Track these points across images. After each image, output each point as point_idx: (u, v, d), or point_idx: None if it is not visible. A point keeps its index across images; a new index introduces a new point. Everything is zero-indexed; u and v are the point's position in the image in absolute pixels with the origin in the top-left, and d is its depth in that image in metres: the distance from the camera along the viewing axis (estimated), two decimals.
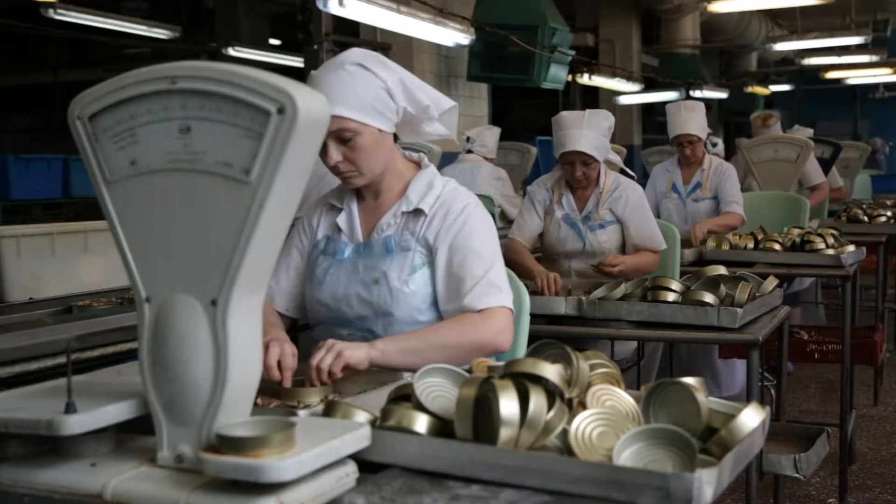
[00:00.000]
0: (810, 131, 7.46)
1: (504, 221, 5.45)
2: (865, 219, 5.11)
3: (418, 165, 2.04)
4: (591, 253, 3.32)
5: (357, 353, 1.70)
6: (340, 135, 1.83)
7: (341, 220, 2.01)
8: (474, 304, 1.86)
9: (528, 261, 3.26)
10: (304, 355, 1.81)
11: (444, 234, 1.92)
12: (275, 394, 1.60)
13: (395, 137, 1.97)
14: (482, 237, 1.93)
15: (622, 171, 3.68)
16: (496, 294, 1.88)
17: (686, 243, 3.87)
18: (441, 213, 1.94)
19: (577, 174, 3.26)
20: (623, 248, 3.35)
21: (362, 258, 1.95)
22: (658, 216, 4.45)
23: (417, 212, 1.95)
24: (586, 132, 3.17)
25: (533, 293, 2.78)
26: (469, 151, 5.70)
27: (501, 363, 1.32)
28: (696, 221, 4.38)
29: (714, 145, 6.22)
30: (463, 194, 1.99)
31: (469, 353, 1.79)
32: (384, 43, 6.52)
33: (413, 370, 1.64)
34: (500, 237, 3.87)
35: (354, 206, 2.01)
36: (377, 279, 1.92)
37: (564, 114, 3.28)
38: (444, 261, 1.91)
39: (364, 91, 1.83)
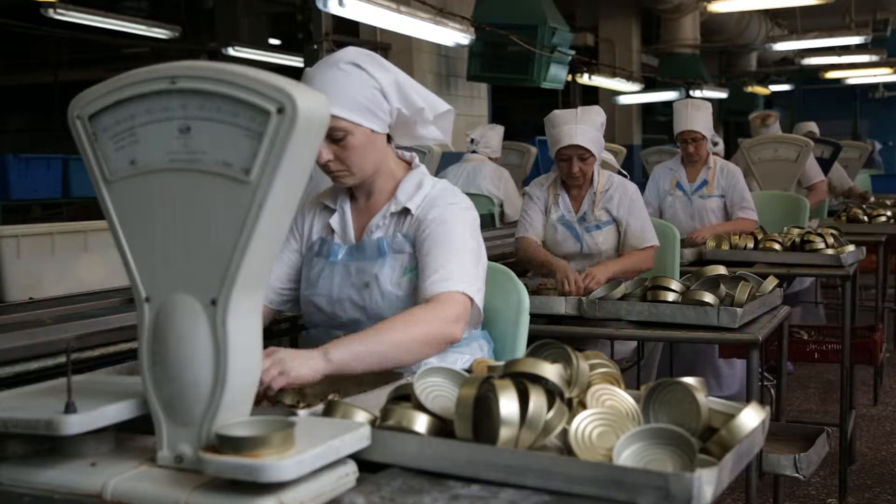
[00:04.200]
0: (813, 124, 7.45)
1: (503, 222, 5.46)
2: (865, 219, 5.11)
3: (410, 165, 2.04)
4: (588, 254, 3.31)
5: (304, 369, 1.55)
6: (332, 134, 1.82)
7: (334, 221, 2.00)
8: (427, 293, 1.81)
9: (543, 255, 3.21)
10: None
11: (424, 228, 1.90)
12: None
13: (389, 139, 1.97)
14: (453, 230, 1.89)
15: (619, 174, 3.67)
16: (454, 282, 1.81)
17: (686, 241, 3.87)
18: (424, 211, 1.93)
19: (573, 170, 3.23)
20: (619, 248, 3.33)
21: (354, 261, 1.94)
22: (661, 215, 4.44)
23: (406, 211, 1.94)
24: (582, 127, 3.17)
25: (536, 290, 2.78)
26: (473, 152, 5.70)
27: (501, 363, 1.32)
28: (703, 218, 4.36)
29: (715, 144, 6.22)
30: (450, 193, 1.97)
31: (424, 346, 1.74)
32: (384, 42, 6.53)
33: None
34: (503, 237, 3.85)
35: (347, 207, 2.01)
36: (368, 282, 1.90)
37: (557, 112, 3.27)
38: (418, 253, 1.89)
39: (357, 90, 1.82)
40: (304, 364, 1.55)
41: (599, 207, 3.30)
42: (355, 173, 1.91)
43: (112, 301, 2.63)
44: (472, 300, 1.84)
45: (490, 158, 5.70)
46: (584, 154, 3.20)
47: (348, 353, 1.64)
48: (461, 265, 1.85)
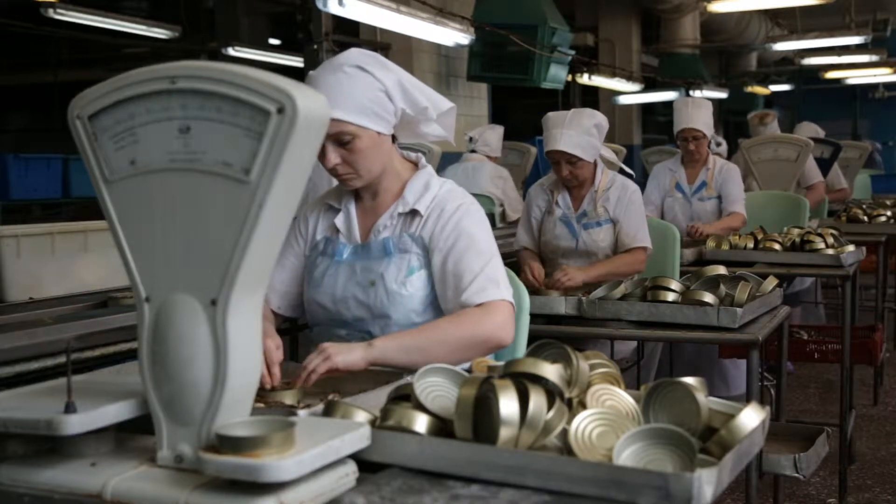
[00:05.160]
0: (815, 126, 7.44)
1: (504, 221, 5.46)
2: (865, 219, 5.11)
3: (416, 165, 2.04)
4: (584, 252, 3.32)
5: (351, 356, 1.68)
6: (339, 138, 1.83)
7: (339, 221, 2.00)
8: (473, 299, 1.86)
9: (523, 261, 3.32)
10: (304, 355, 1.81)
11: (439, 233, 1.92)
12: None
13: (394, 138, 1.97)
14: (477, 234, 1.92)
15: (620, 171, 3.68)
16: (495, 288, 1.87)
17: (686, 243, 3.88)
18: (436, 214, 1.94)
19: (563, 173, 3.27)
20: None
21: (360, 260, 1.95)
22: (661, 215, 4.45)
23: (414, 213, 1.95)
24: (567, 131, 3.18)
25: (536, 290, 2.79)
26: (472, 151, 5.70)
27: (501, 363, 1.32)
28: (702, 221, 4.36)
29: (718, 144, 6.23)
30: (458, 194, 1.99)
31: (471, 349, 1.79)
32: (384, 43, 6.52)
33: (415, 369, 1.64)
34: (503, 237, 3.87)
35: (352, 207, 2.01)
36: (373, 281, 1.91)
37: (550, 114, 3.29)
38: (441, 260, 1.91)
39: (362, 94, 1.82)
40: (348, 352, 1.68)
41: (599, 206, 3.31)
42: (363, 176, 1.91)
43: (91, 302, 2.62)
44: (513, 306, 1.90)
45: (489, 158, 5.71)
46: (571, 159, 3.21)
47: (393, 343, 1.75)
48: (494, 270, 1.90)
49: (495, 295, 1.87)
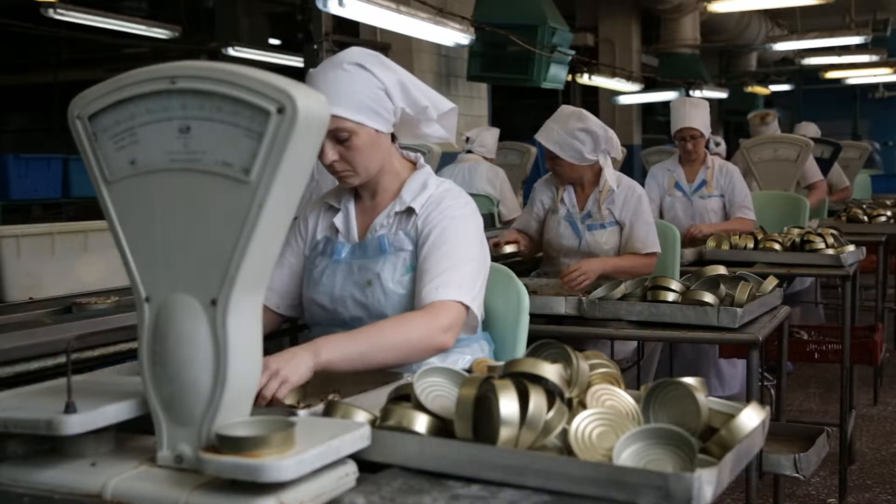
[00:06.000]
0: (814, 126, 7.44)
1: (500, 221, 5.46)
2: (865, 219, 5.11)
3: (415, 165, 2.04)
4: (587, 252, 3.31)
5: (300, 370, 1.56)
6: (336, 134, 1.83)
7: (338, 220, 2.01)
8: (425, 298, 1.82)
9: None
10: None
11: (424, 229, 1.91)
12: None
13: (394, 138, 1.97)
14: (455, 235, 1.90)
15: None
16: (452, 289, 1.82)
17: (686, 241, 3.88)
18: (428, 211, 1.94)
19: (548, 165, 3.33)
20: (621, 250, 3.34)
21: (357, 259, 1.95)
22: (661, 215, 4.44)
23: (410, 211, 1.95)
24: (552, 126, 3.23)
25: (536, 290, 2.79)
26: (469, 151, 5.71)
27: (501, 363, 1.32)
28: (703, 219, 4.35)
29: (717, 144, 6.22)
30: (454, 194, 1.98)
31: (414, 352, 1.75)
32: (384, 43, 6.52)
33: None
34: (496, 237, 3.89)
35: (352, 207, 2.02)
36: (370, 280, 1.91)
37: (562, 106, 3.34)
38: (419, 257, 1.90)
39: (362, 91, 1.82)
40: (298, 366, 1.56)
41: (604, 207, 3.31)
42: (360, 173, 1.91)
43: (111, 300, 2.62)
44: (467, 308, 1.85)
45: (485, 158, 5.72)
46: (550, 154, 3.23)
47: (338, 351, 1.65)
48: (460, 273, 1.85)
49: (447, 295, 1.81)
